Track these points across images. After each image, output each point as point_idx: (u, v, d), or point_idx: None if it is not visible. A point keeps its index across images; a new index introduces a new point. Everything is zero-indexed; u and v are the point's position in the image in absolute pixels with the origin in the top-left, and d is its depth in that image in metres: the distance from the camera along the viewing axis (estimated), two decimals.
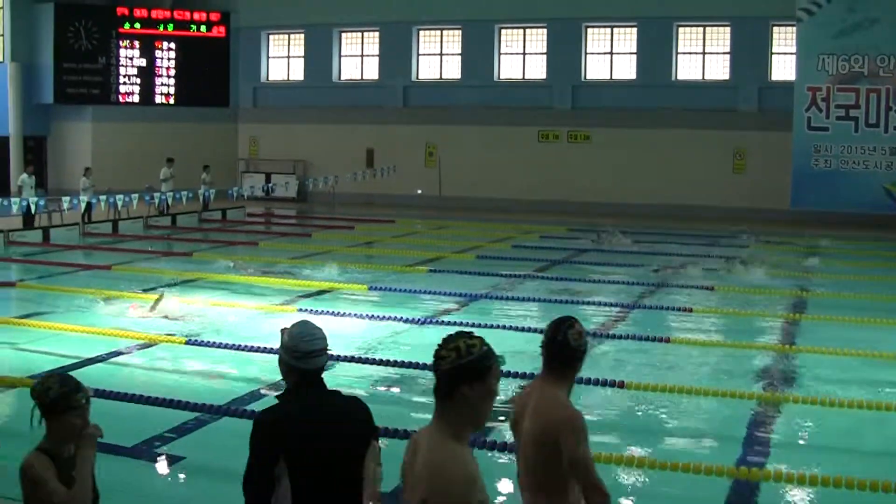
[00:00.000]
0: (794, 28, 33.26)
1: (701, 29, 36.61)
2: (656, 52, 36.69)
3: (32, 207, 27.97)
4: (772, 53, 35.70)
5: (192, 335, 14.70)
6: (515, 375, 12.25)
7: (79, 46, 40.24)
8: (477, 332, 12.06)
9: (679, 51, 36.91)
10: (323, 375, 5.23)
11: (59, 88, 40.25)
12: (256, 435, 4.92)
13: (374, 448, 5.37)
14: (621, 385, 11.82)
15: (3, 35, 40.76)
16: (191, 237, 29.29)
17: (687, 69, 36.91)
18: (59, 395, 5.10)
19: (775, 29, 35.43)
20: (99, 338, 14.53)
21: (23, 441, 10.28)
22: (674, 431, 10.73)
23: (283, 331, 5.28)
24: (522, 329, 15.23)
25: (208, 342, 14.10)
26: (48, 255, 24.78)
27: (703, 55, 36.70)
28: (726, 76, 36.26)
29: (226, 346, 13.79)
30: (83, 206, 28.85)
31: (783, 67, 35.37)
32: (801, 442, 10.77)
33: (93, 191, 30.64)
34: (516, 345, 14.49)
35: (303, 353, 5.21)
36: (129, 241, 27.73)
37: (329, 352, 5.24)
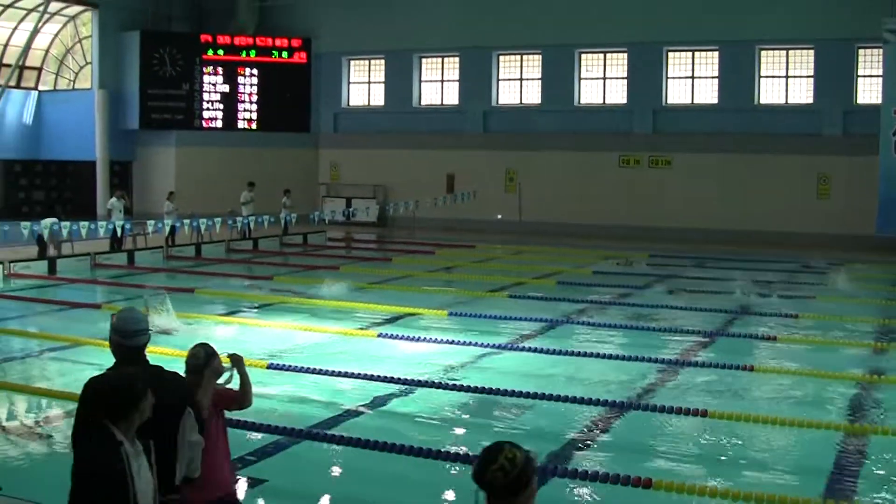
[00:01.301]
0: (881, 50, 32.71)
1: (784, 52, 36.17)
2: (738, 76, 36.34)
3: (119, 231, 28.37)
4: (857, 76, 35.15)
5: (275, 359, 14.78)
6: (590, 402, 12.18)
7: (163, 73, 40.90)
8: (556, 358, 11.96)
9: (762, 74, 36.50)
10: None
11: (144, 114, 40.97)
12: (82, 398, 5.52)
13: (190, 417, 6.08)
14: (704, 413, 11.68)
15: (91, 63, 41.53)
16: (272, 261, 29.51)
17: (770, 93, 36.50)
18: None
19: (861, 51, 34.89)
20: (180, 360, 14.64)
21: None
22: (757, 462, 10.54)
23: (112, 315, 6.47)
24: (602, 356, 15.15)
25: (290, 366, 14.16)
26: (133, 278, 25.12)
27: (787, 79, 36.25)
28: (810, 100, 35.78)
29: (307, 371, 13.85)
30: (167, 229, 29.23)
31: (869, 90, 34.81)
32: (887, 475, 10.53)
33: (176, 214, 31.03)
34: (596, 372, 14.44)
35: (128, 333, 6.41)
36: (212, 265, 28.01)
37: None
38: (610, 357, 15.16)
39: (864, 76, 35.08)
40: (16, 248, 27.42)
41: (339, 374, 13.57)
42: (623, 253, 29.60)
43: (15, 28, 40.71)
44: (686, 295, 22.10)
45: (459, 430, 11.68)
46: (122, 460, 5.05)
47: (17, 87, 42.05)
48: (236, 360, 7.50)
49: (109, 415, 5.17)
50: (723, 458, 10.65)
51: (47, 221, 26.78)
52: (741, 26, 35.49)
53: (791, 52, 36.08)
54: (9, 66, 41.04)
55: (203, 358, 7.13)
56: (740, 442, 11.16)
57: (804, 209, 34.69)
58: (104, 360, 14.63)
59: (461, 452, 10.02)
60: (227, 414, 11.66)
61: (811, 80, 35.78)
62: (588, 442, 11.02)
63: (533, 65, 40.14)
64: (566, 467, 9.72)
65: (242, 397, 7.52)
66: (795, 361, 15.13)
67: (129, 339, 6.46)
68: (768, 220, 34.88)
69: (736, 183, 35.68)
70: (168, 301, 17.83)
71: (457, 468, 9.85)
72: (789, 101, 36.22)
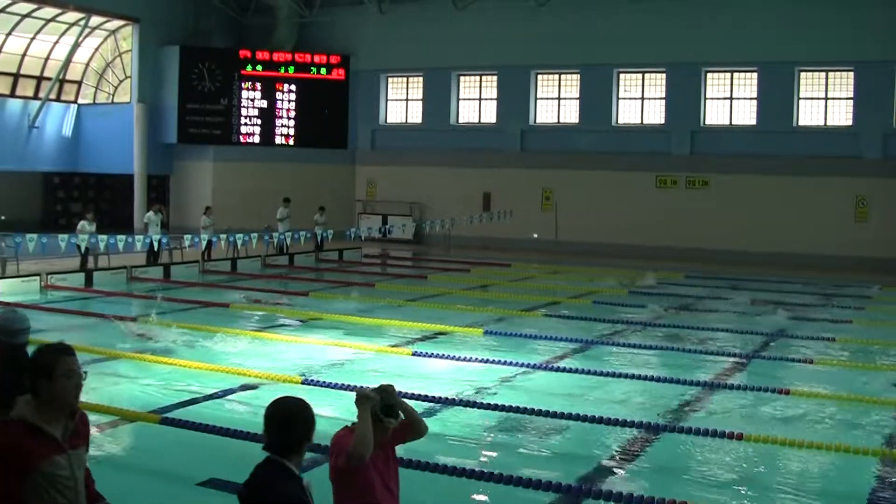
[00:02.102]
0: None
1: (823, 74, 35.95)
2: (777, 98, 36.12)
3: (155, 245, 28.53)
4: None
5: (309, 375, 14.79)
6: (624, 424, 12.11)
7: (202, 88, 41.15)
8: (591, 379, 11.90)
9: (801, 96, 36.28)
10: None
11: (182, 129, 41.24)
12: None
13: None
14: (739, 437, 11.60)
15: (130, 77, 41.83)
16: (307, 277, 29.55)
17: (809, 115, 36.26)
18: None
19: None
20: (215, 374, 14.73)
21: (141, 474, 10.45)
22: (792, 487, 10.42)
23: None
24: (637, 377, 15.09)
25: (325, 382, 14.16)
26: (168, 292, 25.19)
27: (826, 100, 36.01)
28: (849, 122, 35.53)
29: (341, 387, 13.84)
30: (204, 244, 29.33)
31: None
32: None
33: (213, 229, 31.14)
34: (630, 393, 14.37)
35: (12, 332, 7.26)
36: (248, 280, 28.07)
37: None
38: (644, 378, 15.08)
39: None
40: (52, 260, 27.64)
41: None
42: (653, 272, 29.47)
43: (56, 42, 41.07)
44: (721, 315, 21.94)
45: (490, 450, 11.62)
46: (309, 496, 5.21)
47: (57, 100, 42.41)
48: (363, 399, 6.18)
49: (294, 448, 5.29)
50: (758, 482, 10.55)
51: (84, 236, 26.93)
52: (780, 47, 35.32)
53: (830, 73, 35.86)
54: (49, 79, 41.40)
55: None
56: (776, 466, 11.06)
57: (842, 232, 34.42)
58: (138, 372, 14.73)
59: (494, 473, 9.96)
60: (260, 429, 11.65)
61: (850, 102, 35.52)
62: (621, 464, 10.95)
63: (571, 84, 40.10)
64: (599, 489, 9.66)
65: (412, 427, 6.57)
66: (832, 385, 15.00)
67: (13, 338, 7.30)
68: (805, 243, 34.63)
69: (773, 205, 35.45)
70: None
71: (487, 487, 9.80)
72: (828, 123, 35.98)
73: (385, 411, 6.16)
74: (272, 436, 5.26)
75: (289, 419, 5.29)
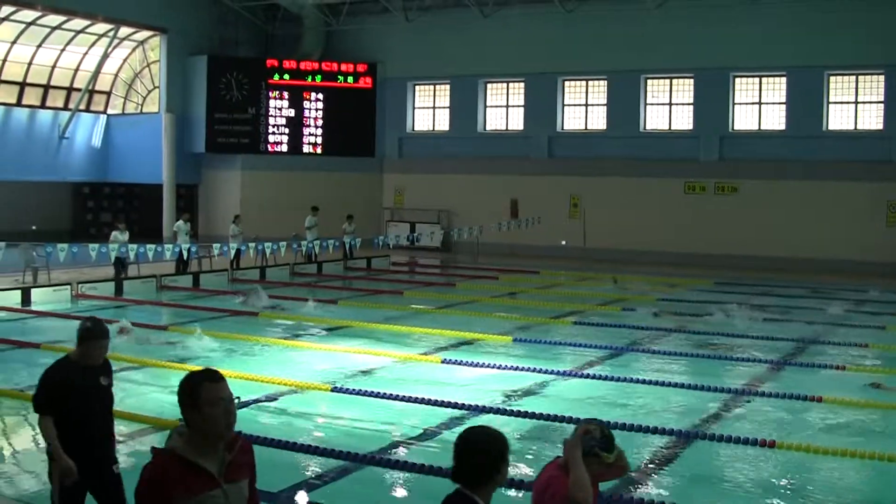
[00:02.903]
0: None
1: (853, 77, 35.68)
2: (806, 102, 35.88)
3: (185, 253, 28.58)
4: None
5: (339, 383, 14.78)
6: (655, 431, 12.06)
7: (230, 97, 41.30)
8: (620, 386, 11.83)
9: (830, 100, 36.04)
10: None
11: (210, 138, 41.39)
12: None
13: None
14: (772, 444, 11.51)
15: (159, 87, 42.04)
16: (336, 285, 29.57)
17: (838, 119, 36.02)
18: None
19: None
20: (244, 382, 14.71)
21: None
22: (824, 494, 10.33)
23: None
24: (667, 384, 15.02)
25: (354, 390, 14.15)
26: (198, 300, 25.26)
27: (856, 104, 35.78)
28: (880, 126, 35.28)
29: (371, 395, 13.84)
30: (233, 252, 29.40)
31: None
32: None
33: (241, 238, 31.21)
34: (660, 400, 14.29)
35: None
36: (277, 288, 28.06)
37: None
38: (674, 385, 15.01)
39: None
40: (83, 269, 27.77)
41: (403, 399, 13.56)
42: (683, 279, 29.35)
43: (85, 53, 41.31)
44: (752, 324, 21.80)
45: (519, 457, 11.57)
46: None
47: (87, 110, 42.66)
48: (578, 442, 5.75)
49: (483, 480, 5.11)
50: (789, 490, 10.46)
51: (115, 246, 27.03)
52: (810, 52, 35.08)
53: (860, 77, 35.62)
54: (79, 90, 41.65)
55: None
56: (808, 474, 10.96)
57: (873, 237, 34.15)
58: (168, 380, 14.76)
59: (524, 481, 9.90)
60: (289, 437, 11.67)
61: (881, 105, 35.26)
62: (652, 471, 10.88)
63: (598, 90, 40.02)
64: (631, 496, 9.59)
65: (623, 461, 6.01)
66: (865, 393, 14.86)
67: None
68: (836, 248, 34.40)
69: (803, 210, 35.23)
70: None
71: (517, 495, 9.74)
72: (858, 128, 35.74)
73: (604, 445, 5.80)
74: (461, 466, 5.11)
75: (478, 449, 5.12)
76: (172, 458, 4.81)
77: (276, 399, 13.97)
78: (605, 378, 15.46)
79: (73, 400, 7.45)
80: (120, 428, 12.52)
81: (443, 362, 16.80)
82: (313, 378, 15.20)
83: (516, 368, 16.13)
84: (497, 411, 13.15)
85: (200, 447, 4.85)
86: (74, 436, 7.44)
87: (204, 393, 4.82)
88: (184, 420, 4.88)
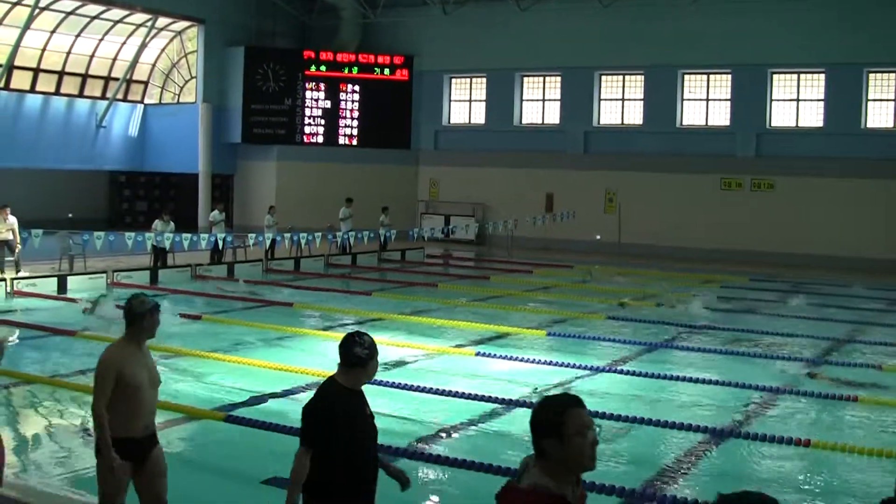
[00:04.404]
0: None
1: (892, 75, 35.35)
2: (845, 99, 35.60)
3: (220, 243, 28.71)
4: None
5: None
6: (688, 428, 12.02)
7: (266, 88, 41.42)
8: (654, 382, 11.73)
9: (869, 97, 35.75)
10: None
11: (246, 128, 41.53)
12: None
13: None
14: (807, 443, 11.45)
15: (196, 77, 42.20)
16: (370, 276, 29.62)
17: (877, 117, 35.73)
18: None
19: None
20: (279, 373, 14.78)
21: (206, 471, 10.50)
22: (858, 495, 10.25)
23: None
24: (700, 381, 14.96)
25: (388, 382, 14.14)
26: (232, 290, 25.33)
27: (895, 102, 35.42)
28: None
29: (405, 387, 13.85)
30: (268, 243, 29.48)
31: None
32: None
33: (276, 228, 31.32)
34: (694, 397, 14.25)
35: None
36: (311, 279, 28.15)
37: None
38: (708, 382, 14.95)
39: None
40: (119, 257, 27.94)
41: (437, 392, 13.58)
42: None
43: (123, 43, 41.51)
44: (787, 321, 21.66)
45: None
46: None
47: (124, 100, 42.88)
48: None
49: None
50: (823, 489, 10.40)
51: (151, 235, 27.17)
52: (849, 48, 34.78)
53: None
54: (116, 79, 41.89)
55: None
56: (843, 474, 10.89)
57: None
58: (203, 370, 14.81)
59: None
60: None
61: None
62: (685, 468, 10.84)
63: (635, 85, 39.87)
64: (664, 494, 9.57)
65: None
66: None
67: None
68: (873, 246, 34.13)
69: (840, 208, 34.98)
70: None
71: None
72: None
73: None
74: None
75: None
76: (545, 497, 4.38)
77: (309, 390, 13.98)
78: (639, 374, 15.40)
79: None
80: (158, 417, 12.65)
81: (477, 355, 16.80)
82: None
83: (550, 363, 16.10)
84: (531, 405, 13.11)
85: (560, 480, 4.44)
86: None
87: (572, 421, 4.42)
88: (540, 451, 4.48)
